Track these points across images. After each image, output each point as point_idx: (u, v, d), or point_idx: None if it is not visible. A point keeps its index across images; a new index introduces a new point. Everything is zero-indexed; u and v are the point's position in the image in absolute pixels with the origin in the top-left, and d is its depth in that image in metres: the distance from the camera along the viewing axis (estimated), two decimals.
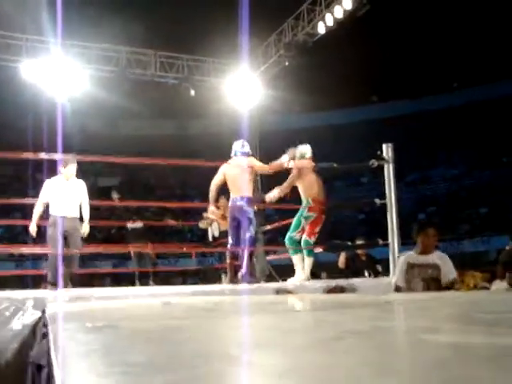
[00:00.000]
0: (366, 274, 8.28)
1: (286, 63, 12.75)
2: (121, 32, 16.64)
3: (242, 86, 13.43)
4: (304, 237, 6.41)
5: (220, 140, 24.06)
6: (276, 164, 6.60)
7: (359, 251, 8.59)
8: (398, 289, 4.79)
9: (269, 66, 13.48)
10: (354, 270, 8.26)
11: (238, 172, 6.53)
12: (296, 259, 6.47)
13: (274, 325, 1.88)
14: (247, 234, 6.39)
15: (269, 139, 16.20)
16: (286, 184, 6.54)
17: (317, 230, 6.46)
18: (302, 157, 6.77)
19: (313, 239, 6.45)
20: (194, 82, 13.42)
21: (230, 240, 6.59)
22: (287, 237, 6.51)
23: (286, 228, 6.70)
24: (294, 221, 6.49)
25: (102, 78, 13.25)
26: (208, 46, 14.87)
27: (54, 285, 5.77)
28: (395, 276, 4.92)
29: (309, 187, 6.50)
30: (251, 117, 14.04)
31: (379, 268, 8.37)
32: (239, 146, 6.75)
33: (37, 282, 14.76)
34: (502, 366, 0.96)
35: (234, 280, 6.48)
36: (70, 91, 12.75)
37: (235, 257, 6.61)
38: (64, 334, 1.36)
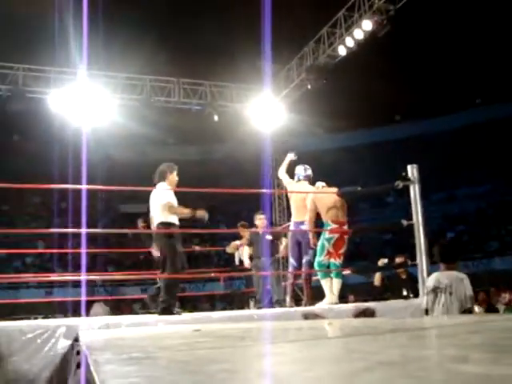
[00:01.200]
0: (405, 292, 8.12)
1: (308, 86, 12.83)
2: (144, 60, 16.97)
3: (265, 110, 13.53)
4: (332, 260, 6.45)
5: (243, 164, 24.25)
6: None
7: (399, 270, 8.44)
8: (428, 311, 4.74)
9: (291, 90, 13.58)
10: (390, 288, 8.11)
11: (301, 197, 6.70)
12: (325, 283, 6.50)
13: (301, 355, 1.89)
14: (306, 257, 6.60)
15: (292, 162, 16.23)
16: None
17: (342, 251, 6.49)
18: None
19: (339, 261, 6.48)
20: (217, 108, 13.56)
21: (292, 262, 6.77)
22: (316, 262, 6.54)
23: (313, 251, 6.74)
24: (319, 245, 6.53)
25: (127, 106, 13.47)
26: (230, 72, 15.06)
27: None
28: (425, 298, 4.87)
29: (326, 209, 6.58)
30: (274, 140, 14.12)
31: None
32: (302, 171, 6.94)
33: (65, 308, 14.92)
34: None
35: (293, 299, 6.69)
36: (96, 120, 13.00)
37: (296, 278, 6.84)
38: (102, 367, 1.40)
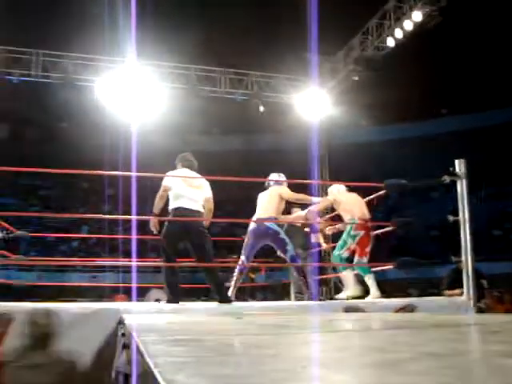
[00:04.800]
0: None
1: (355, 78, 12.71)
2: (191, 50, 17.09)
3: (311, 101, 13.47)
4: (356, 258, 6.50)
5: (288, 155, 24.21)
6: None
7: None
8: (480, 309, 4.68)
9: (337, 81, 13.49)
10: (452, 284, 7.94)
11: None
12: (347, 276, 6.55)
13: (345, 343, 1.90)
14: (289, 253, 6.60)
15: (338, 154, 16.13)
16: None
17: (367, 249, 6.51)
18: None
19: (365, 259, 6.50)
20: (263, 98, 13.57)
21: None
22: (335, 255, 6.58)
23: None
24: (342, 239, 6.57)
25: (172, 95, 13.62)
26: (277, 63, 15.04)
27: None
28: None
29: (352, 206, 6.56)
30: (320, 132, 14.05)
31: (484, 283, 7.99)
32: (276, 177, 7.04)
33: (111, 293, 15.27)
34: None
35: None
36: (142, 109, 13.19)
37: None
38: (152, 346, 1.44)
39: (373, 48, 12.23)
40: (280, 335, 2.19)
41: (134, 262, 6.24)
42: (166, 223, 5.49)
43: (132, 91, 12.59)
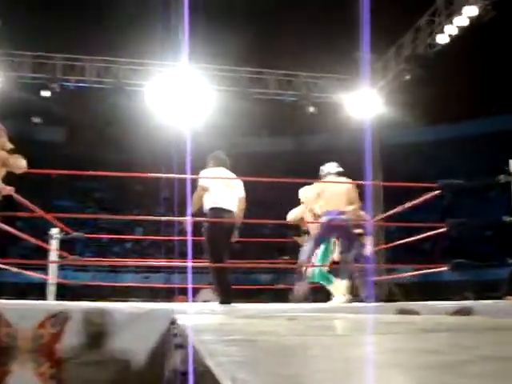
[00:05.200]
0: None
1: (407, 77, 12.51)
2: (240, 52, 17.20)
3: (361, 101, 13.34)
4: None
5: (339, 155, 24.01)
6: None
7: None
8: None
9: (388, 80, 13.32)
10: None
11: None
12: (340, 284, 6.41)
13: (399, 345, 1.87)
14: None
15: (390, 154, 15.92)
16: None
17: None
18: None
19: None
20: (313, 99, 13.53)
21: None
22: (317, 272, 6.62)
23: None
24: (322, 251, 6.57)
25: (221, 97, 13.75)
26: (326, 63, 14.96)
27: None
28: None
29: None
30: (371, 132, 13.90)
31: None
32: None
33: (166, 294, 15.49)
34: None
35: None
36: (193, 112, 13.37)
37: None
38: (208, 346, 1.46)
39: (424, 46, 12.02)
40: (332, 336, 2.18)
41: (186, 263, 6.30)
42: (205, 224, 5.51)
43: (182, 94, 12.77)
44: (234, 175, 5.81)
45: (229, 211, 5.48)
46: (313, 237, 6.52)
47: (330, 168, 6.76)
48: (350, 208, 6.36)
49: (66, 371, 3.72)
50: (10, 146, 4.95)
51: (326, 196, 6.42)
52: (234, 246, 5.58)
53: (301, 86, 13.64)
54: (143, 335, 3.79)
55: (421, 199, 6.56)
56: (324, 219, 6.31)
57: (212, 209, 5.48)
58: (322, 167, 6.83)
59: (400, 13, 14.39)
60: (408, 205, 6.63)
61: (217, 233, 5.41)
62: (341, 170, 6.74)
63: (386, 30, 13.03)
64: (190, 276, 6.11)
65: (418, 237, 6.94)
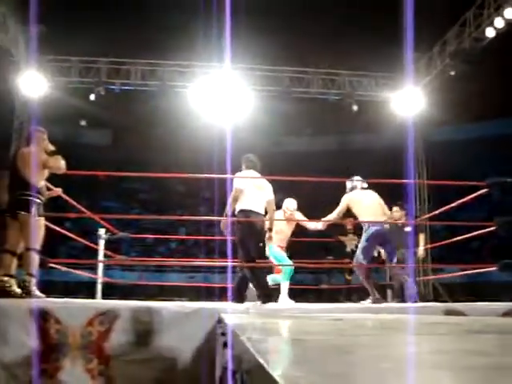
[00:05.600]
0: None
1: (452, 73, 12.26)
2: (282, 52, 17.18)
3: (405, 98, 13.15)
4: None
5: (383, 154, 23.75)
6: None
7: None
8: None
9: (432, 78, 13.08)
10: None
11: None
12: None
13: (447, 346, 1.84)
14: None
15: (434, 152, 15.64)
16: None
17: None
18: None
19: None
20: (356, 98, 13.41)
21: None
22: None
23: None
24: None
25: (265, 97, 13.78)
26: (369, 61, 14.80)
27: None
28: None
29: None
30: (415, 130, 13.71)
31: None
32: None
33: (207, 293, 15.63)
34: None
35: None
36: (236, 112, 13.44)
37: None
38: (258, 345, 1.47)
39: (470, 40, 11.74)
40: (380, 336, 2.16)
41: (228, 263, 6.36)
42: (237, 225, 5.58)
43: (224, 95, 12.87)
44: (262, 178, 5.89)
45: (258, 213, 5.56)
46: (365, 243, 6.74)
47: (358, 182, 7.10)
48: (387, 216, 6.84)
49: (114, 368, 3.80)
50: (51, 147, 5.10)
51: (364, 205, 6.79)
52: (261, 247, 5.65)
53: (344, 85, 13.53)
54: (190, 334, 3.84)
55: (468, 197, 6.42)
56: (373, 229, 6.65)
57: (242, 211, 5.55)
58: (348, 182, 7.14)
59: (447, 7, 14.09)
60: (455, 204, 6.54)
61: (247, 234, 5.48)
62: (365, 185, 7.10)
63: (431, 25, 12.81)
64: (230, 275, 6.19)
65: (466, 236, 6.80)
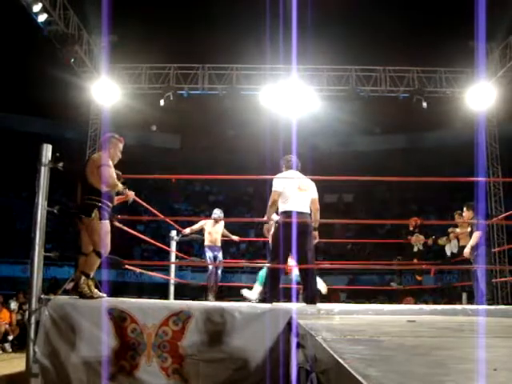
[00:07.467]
0: None
1: None
2: (349, 51, 17.02)
3: (478, 93, 12.71)
4: None
5: (457, 152, 23.02)
6: None
7: None
8: None
9: (507, 70, 12.57)
10: None
11: None
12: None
13: None
14: None
15: (508, 148, 15.06)
16: None
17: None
18: None
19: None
20: (426, 94, 13.10)
21: None
22: None
23: None
24: None
25: (332, 97, 13.70)
26: (438, 56, 14.43)
27: None
28: None
29: None
30: (488, 126, 13.25)
31: None
32: None
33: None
34: None
35: None
36: (303, 112, 13.44)
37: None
38: (334, 345, 1.47)
39: None
40: (457, 338, 2.11)
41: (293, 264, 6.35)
42: (276, 226, 5.51)
43: (292, 97, 12.90)
44: (304, 177, 5.75)
45: (301, 213, 5.45)
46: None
47: None
48: None
49: (188, 367, 3.87)
50: (119, 155, 5.11)
51: None
52: (308, 248, 5.50)
53: (413, 82, 13.25)
54: (262, 334, 3.86)
55: None
56: None
57: (284, 212, 5.48)
58: None
59: None
60: None
61: (286, 235, 5.36)
62: None
63: (505, 15, 12.31)
64: (294, 277, 6.16)
65: None
